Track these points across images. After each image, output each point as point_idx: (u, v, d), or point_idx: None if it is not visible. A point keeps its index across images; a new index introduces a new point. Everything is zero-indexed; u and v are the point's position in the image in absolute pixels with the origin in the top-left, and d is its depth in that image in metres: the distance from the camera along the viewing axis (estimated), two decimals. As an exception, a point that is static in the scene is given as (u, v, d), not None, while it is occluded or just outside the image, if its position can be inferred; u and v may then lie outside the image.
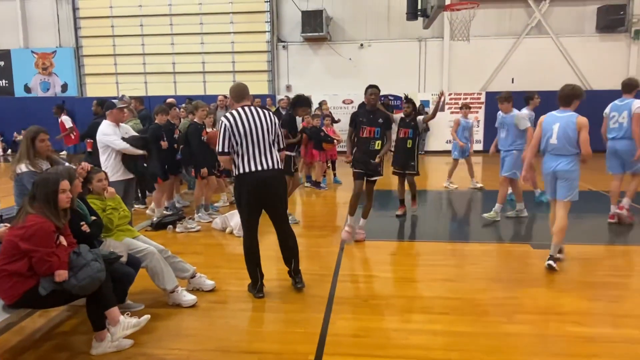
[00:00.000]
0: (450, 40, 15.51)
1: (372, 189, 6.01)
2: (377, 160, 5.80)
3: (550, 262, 4.95)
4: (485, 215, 7.03)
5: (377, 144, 5.84)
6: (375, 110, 5.86)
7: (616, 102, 6.72)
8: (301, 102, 7.07)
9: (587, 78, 15.47)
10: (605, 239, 6.18)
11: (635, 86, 6.65)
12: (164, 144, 6.82)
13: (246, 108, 4.24)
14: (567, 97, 5.03)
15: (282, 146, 4.40)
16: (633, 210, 7.01)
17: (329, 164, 10.90)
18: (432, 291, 4.50)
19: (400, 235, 6.57)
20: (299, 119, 7.54)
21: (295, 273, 4.52)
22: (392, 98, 15.98)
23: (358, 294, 4.46)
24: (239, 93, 4.32)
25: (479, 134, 15.84)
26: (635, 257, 5.47)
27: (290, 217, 6.94)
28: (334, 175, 11.01)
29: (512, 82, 15.70)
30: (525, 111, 7.68)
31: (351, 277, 4.90)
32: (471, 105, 9.34)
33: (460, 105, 9.66)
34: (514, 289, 4.49)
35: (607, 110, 6.84)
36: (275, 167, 4.24)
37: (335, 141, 10.22)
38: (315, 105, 13.54)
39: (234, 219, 6.47)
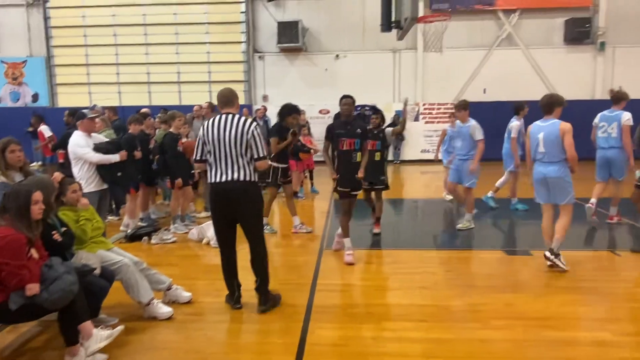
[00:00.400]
0: (424, 52, 15.82)
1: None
2: (359, 176, 5.55)
3: (547, 253, 5.22)
4: (459, 226, 7.03)
5: (359, 156, 5.63)
6: (351, 121, 5.68)
7: (605, 112, 7.06)
8: (290, 110, 6.93)
9: (556, 88, 15.87)
10: (576, 245, 6.31)
11: (623, 98, 6.96)
12: (138, 154, 6.73)
13: (224, 116, 4.11)
14: (548, 105, 5.26)
15: (258, 156, 4.06)
16: (601, 215, 7.23)
17: (306, 174, 10.93)
18: (409, 299, 4.53)
19: (376, 244, 6.59)
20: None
21: (258, 293, 4.25)
22: (368, 108, 16.12)
23: (336, 302, 4.46)
24: (222, 99, 4.21)
25: (453, 143, 16.09)
26: (605, 262, 5.62)
27: (267, 227, 6.94)
28: (312, 184, 11.03)
29: (484, 92, 16.03)
30: (515, 121, 7.90)
31: (329, 286, 4.90)
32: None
33: (449, 114, 9.51)
34: (489, 295, 4.56)
35: (596, 120, 7.17)
36: (242, 179, 4.02)
37: (312, 151, 10.24)
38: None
39: (211, 229, 6.39)
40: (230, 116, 4.10)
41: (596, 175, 7.29)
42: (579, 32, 15.29)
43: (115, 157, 5.77)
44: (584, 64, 15.81)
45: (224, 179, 4.07)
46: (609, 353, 3.47)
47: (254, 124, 4.11)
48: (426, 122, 16.17)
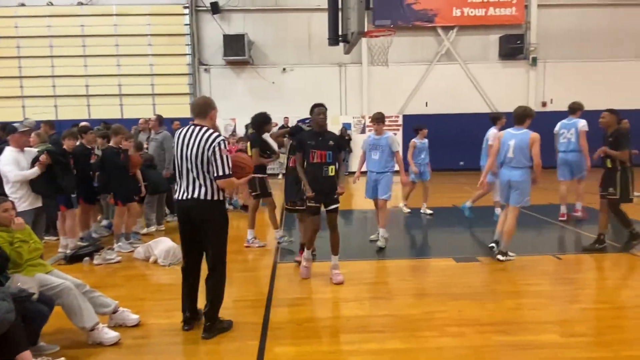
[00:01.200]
0: (369, 66, 16.15)
1: (335, 219, 5.36)
2: (340, 191, 5.30)
3: (499, 256, 5.90)
4: (378, 243, 6.69)
5: (331, 170, 5.20)
6: (324, 132, 5.28)
7: (564, 121, 8.16)
8: (265, 120, 6.66)
9: (493, 101, 16.69)
10: (521, 250, 6.56)
11: (579, 108, 8.08)
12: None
13: (190, 128, 3.88)
14: (521, 116, 5.88)
15: (218, 174, 3.75)
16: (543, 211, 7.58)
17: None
18: (365, 310, 4.53)
19: (327, 255, 6.56)
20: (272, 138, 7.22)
21: (205, 319, 3.99)
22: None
23: (293, 317, 4.38)
24: (193, 109, 3.99)
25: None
26: (548, 266, 5.87)
27: (284, 240, 6.95)
28: (261, 198, 10.88)
29: (426, 105, 16.57)
30: (493, 130, 8.27)
31: (285, 301, 4.81)
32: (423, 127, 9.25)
33: (414, 128, 9.28)
34: (443, 303, 4.63)
35: (557, 127, 8.23)
36: (203, 197, 3.79)
37: (261, 164, 10.12)
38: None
39: (158, 246, 6.16)
40: (196, 129, 3.85)
41: (558, 175, 8.22)
42: (513, 48, 16.18)
43: (33, 172, 5.45)
44: (517, 78, 16.71)
45: (185, 196, 3.88)
46: (559, 354, 3.60)
47: (218, 139, 3.77)
48: (373, 135, 16.44)
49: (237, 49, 15.52)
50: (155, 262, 6.13)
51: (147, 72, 16.38)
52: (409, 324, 4.18)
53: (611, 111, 6.42)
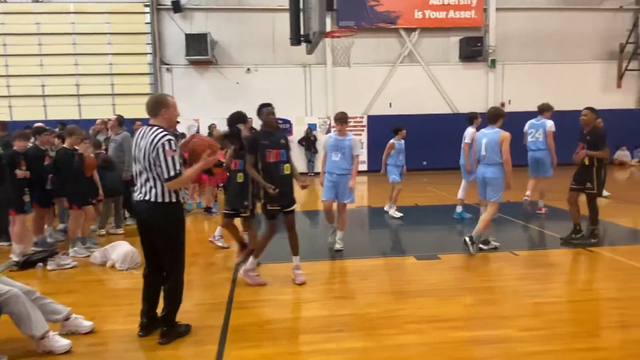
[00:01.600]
0: (333, 67, 16.22)
1: (293, 219, 5.28)
2: (303, 184, 5.31)
3: (467, 238, 6.14)
4: (336, 246, 6.60)
5: (287, 168, 5.15)
6: (274, 131, 5.25)
7: (533, 121, 8.66)
8: (241, 118, 5.98)
9: (454, 102, 17.06)
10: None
11: (548, 109, 8.60)
12: (20, 173, 6.17)
13: (143, 129, 3.77)
14: (493, 116, 6.28)
15: (164, 176, 3.64)
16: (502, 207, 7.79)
17: (222, 188, 10.66)
18: (327, 309, 4.53)
19: (286, 256, 6.53)
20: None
21: (162, 323, 3.90)
22: (280, 122, 16.17)
23: (253, 320, 4.32)
24: (147, 107, 3.82)
25: (363, 154, 16.61)
26: (505, 262, 6.02)
27: (221, 241, 6.73)
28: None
29: (390, 106, 16.76)
30: (470, 129, 8.29)
31: (246, 304, 4.74)
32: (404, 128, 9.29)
33: (393, 129, 9.20)
34: (403, 300, 4.68)
35: (526, 127, 8.74)
36: (153, 199, 3.68)
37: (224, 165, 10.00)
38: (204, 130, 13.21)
39: (116, 251, 5.99)
40: (147, 129, 3.75)
41: (529, 172, 8.77)
42: (472, 50, 16.60)
43: None
44: (477, 79, 17.13)
45: (138, 197, 3.79)
46: (516, 349, 3.68)
47: (163, 139, 3.64)
48: (338, 135, 16.50)
49: (199, 49, 15.31)
50: (113, 266, 5.95)
51: (107, 71, 15.98)
52: (369, 322, 4.20)
53: (591, 110, 6.65)
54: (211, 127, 14.19)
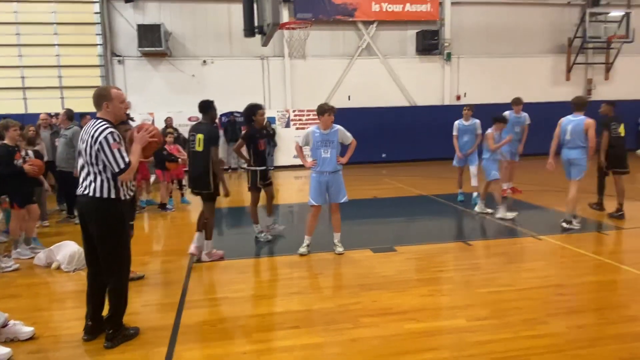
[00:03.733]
0: (291, 59, 16.07)
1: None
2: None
3: (564, 224, 6.91)
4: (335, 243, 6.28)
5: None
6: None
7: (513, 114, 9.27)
8: (255, 110, 6.71)
9: (412, 95, 17.25)
10: (433, 239, 6.80)
11: (519, 103, 9.41)
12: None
13: (90, 122, 3.67)
14: (581, 104, 7.04)
15: (115, 170, 3.53)
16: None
17: (177, 184, 10.42)
18: (282, 306, 4.47)
19: (250, 252, 6.45)
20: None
21: (107, 326, 3.75)
22: (237, 115, 15.91)
23: (206, 319, 4.22)
24: (93, 100, 3.69)
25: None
26: (459, 252, 6.13)
27: (262, 235, 6.81)
28: (182, 195, 10.51)
29: (349, 99, 16.79)
30: (456, 122, 9.02)
31: (199, 303, 4.63)
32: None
33: (495, 117, 8.44)
34: (359, 294, 4.68)
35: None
36: (92, 194, 3.57)
37: (180, 160, 9.76)
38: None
39: (61, 251, 5.72)
40: (91, 122, 3.65)
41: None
42: (428, 44, 16.78)
43: None
44: (433, 72, 17.38)
45: (79, 191, 3.67)
46: (465, 338, 3.74)
47: (105, 132, 3.50)
48: (297, 128, 16.41)
49: (152, 40, 14.80)
50: (59, 268, 5.69)
51: (54, 63, 15.24)
52: (324, 317, 4.17)
53: (608, 102, 7.90)
54: (167, 121, 13.83)
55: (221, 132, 15.80)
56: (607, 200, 8.07)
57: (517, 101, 9.50)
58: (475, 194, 8.81)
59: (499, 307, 4.30)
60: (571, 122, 6.91)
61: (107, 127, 3.55)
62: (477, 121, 9.00)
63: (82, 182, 3.65)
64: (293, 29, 8.47)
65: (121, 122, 4.01)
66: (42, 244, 6.49)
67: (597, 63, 18.28)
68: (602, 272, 5.23)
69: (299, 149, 6.31)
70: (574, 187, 7.01)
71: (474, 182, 8.85)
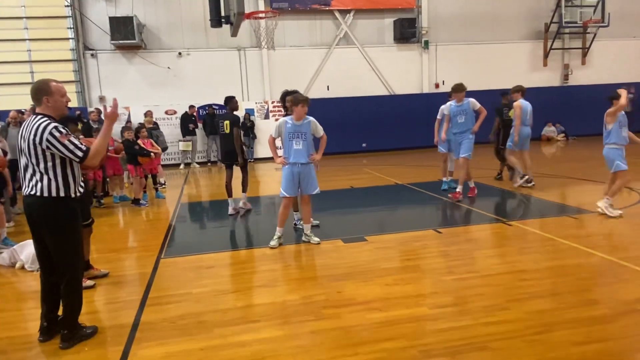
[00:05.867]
0: (268, 50, 15.90)
1: None
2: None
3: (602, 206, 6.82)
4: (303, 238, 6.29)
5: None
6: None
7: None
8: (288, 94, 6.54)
9: (390, 84, 17.22)
10: (402, 227, 6.79)
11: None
12: None
13: (29, 118, 3.51)
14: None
15: (78, 156, 3.46)
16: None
17: (151, 179, 10.32)
18: (245, 300, 4.44)
19: (219, 246, 6.38)
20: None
21: (62, 326, 3.67)
22: (216, 107, 15.75)
23: (167, 316, 4.15)
24: (31, 95, 3.55)
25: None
26: (428, 240, 6.12)
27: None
28: (156, 190, 10.39)
29: (328, 89, 16.70)
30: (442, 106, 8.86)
31: (162, 299, 4.56)
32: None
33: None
34: (324, 285, 4.66)
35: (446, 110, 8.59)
36: (39, 193, 3.47)
37: (152, 154, 9.63)
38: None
39: (25, 251, 5.60)
40: (31, 118, 3.50)
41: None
42: (406, 32, 16.72)
43: None
44: (411, 60, 17.35)
45: (25, 192, 3.56)
46: (426, 326, 3.74)
47: (49, 127, 3.37)
48: (276, 119, 16.25)
49: (126, 32, 14.55)
50: (22, 267, 5.58)
51: (25, 58, 14.92)
52: (286, 310, 4.14)
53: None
54: (147, 114, 13.63)
55: (200, 125, 15.67)
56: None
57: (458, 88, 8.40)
58: (447, 178, 9.10)
59: (462, 294, 4.31)
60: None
61: (49, 123, 3.43)
62: (471, 99, 8.30)
63: (28, 183, 3.53)
64: (261, 18, 8.34)
65: (69, 119, 3.91)
66: (14, 243, 6.32)
67: (574, 48, 18.41)
68: (568, 256, 5.26)
69: (272, 142, 6.13)
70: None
71: (451, 167, 8.96)
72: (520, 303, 4.08)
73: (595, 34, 17.95)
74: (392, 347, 3.42)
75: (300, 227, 6.63)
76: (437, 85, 17.33)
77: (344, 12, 16.62)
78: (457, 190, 8.22)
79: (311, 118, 6.04)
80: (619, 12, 17.61)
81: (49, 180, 3.47)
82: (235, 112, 7.90)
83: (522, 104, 8.73)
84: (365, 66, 17.00)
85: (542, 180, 9.81)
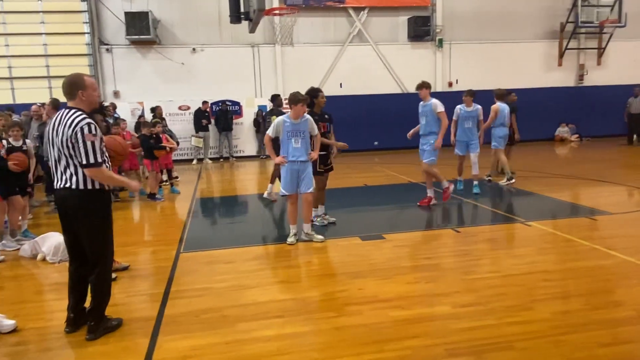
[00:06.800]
0: (282, 47, 15.91)
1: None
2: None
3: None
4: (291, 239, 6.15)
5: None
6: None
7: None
8: (315, 93, 6.68)
9: (403, 82, 17.16)
10: (421, 225, 6.80)
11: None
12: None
13: (61, 112, 3.56)
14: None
15: (81, 162, 3.46)
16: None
17: (166, 174, 10.40)
18: (267, 295, 4.45)
19: (238, 241, 6.40)
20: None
21: (89, 318, 3.71)
22: (229, 103, 15.79)
23: (190, 309, 4.18)
24: (63, 89, 3.58)
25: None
26: (446, 239, 6.12)
27: (317, 220, 6.77)
28: (171, 185, 10.46)
29: (341, 86, 16.67)
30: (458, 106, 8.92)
31: (184, 293, 4.60)
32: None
33: None
34: (345, 282, 4.67)
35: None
36: (75, 186, 3.50)
37: (168, 149, 9.68)
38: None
39: (46, 242, 5.67)
40: (65, 112, 3.54)
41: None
42: (420, 30, 16.64)
43: None
44: (425, 59, 17.27)
45: (58, 185, 3.59)
46: (449, 325, 3.73)
47: (82, 122, 3.43)
48: (288, 116, 16.27)
49: (141, 28, 14.61)
50: (44, 259, 5.64)
51: (41, 52, 15.04)
52: (308, 306, 4.16)
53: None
54: (156, 110, 13.71)
55: (213, 121, 15.72)
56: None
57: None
58: (475, 182, 8.75)
59: (484, 293, 4.30)
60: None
61: (84, 117, 3.48)
62: (479, 107, 8.72)
63: (61, 176, 3.56)
64: (280, 14, 8.35)
65: (96, 111, 3.95)
66: (34, 235, 6.39)
67: (590, 48, 18.23)
68: (588, 257, 5.23)
69: (269, 140, 6.06)
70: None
71: (475, 170, 8.72)
72: (543, 303, 4.06)
73: (611, 34, 17.76)
74: (417, 345, 3.42)
75: (318, 223, 6.65)
76: (450, 84, 17.24)
77: (358, 10, 16.57)
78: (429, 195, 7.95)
79: (308, 116, 6.02)
80: (636, 12, 17.39)
81: (84, 173, 3.51)
82: (280, 109, 8.69)
83: (499, 107, 9.23)
84: (378, 64, 16.95)
85: (557, 181, 9.76)
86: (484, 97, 9.45)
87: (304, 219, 6.21)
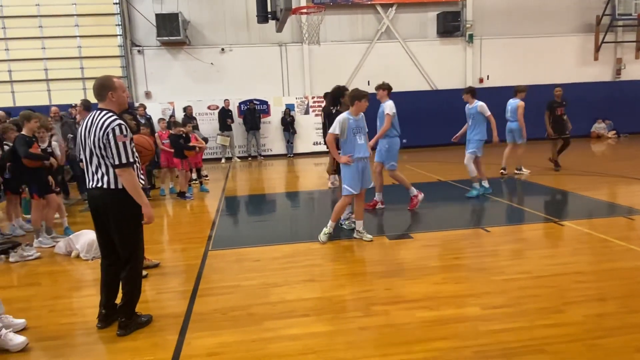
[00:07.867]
0: (309, 45, 15.92)
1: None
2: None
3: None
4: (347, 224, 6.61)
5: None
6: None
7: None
8: (342, 92, 6.61)
9: (432, 78, 16.93)
10: (449, 225, 6.68)
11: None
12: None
13: (92, 113, 3.65)
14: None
15: (113, 162, 3.52)
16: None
17: (197, 172, 10.57)
18: (293, 294, 4.46)
19: (266, 239, 6.44)
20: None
21: (120, 314, 3.80)
22: (257, 102, 15.92)
23: (218, 307, 4.23)
24: (93, 91, 3.68)
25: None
26: (475, 239, 6.00)
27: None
28: (201, 183, 10.61)
29: (369, 84, 16.52)
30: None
31: (212, 290, 4.66)
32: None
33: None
34: (371, 282, 4.63)
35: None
36: (107, 185, 3.58)
37: (197, 148, 9.83)
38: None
39: (80, 240, 5.84)
40: (96, 113, 3.63)
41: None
42: (450, 26, 16.38)
43: None
44: (455, 55, 16.99)
45: (90, 185, 3.69)
46: (479, 327, 3.65)
47: (113, 123, 3.50)
48: (316, 115, 16.31)
49: (171, 29, 14.87)
50: (78, 256, 5.81)
51: (76, 55, 15.49)
52: (334, 305, 4.15)
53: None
54: (187, 109, 13.93)
55: (240, 120, 15.87)
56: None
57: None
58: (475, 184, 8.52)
59: (515, 295, 4.19)
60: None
61: (116, 119, 3.57)
62: (480, 103, 8.44)
63: (93, 176, 3.65)
64: (307, 13, 8.34)
65: (124, 110, 4.03)
66: (74, 232, 6.55)
67: (627, 41, 17.58)
68: (625, 258, 5.04)
69: (333, 140, 5.91)
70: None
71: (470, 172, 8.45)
72: (577, 306, 3.93)
73: (651, 27, 17.10)
74: (446, 347, 3.36)
75: (345, 226, 6.60)
76: (481, 80, 16.92)
77: (386, 7, 16.44)
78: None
79: (361, 113, 5.95)
80: (678, 2, 16.68)
81: (116, 173, 3.58)
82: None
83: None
84: (407, 61, 16.79)
85: (592, 179, 9.45)
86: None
87: (357, 215, 6.13)
